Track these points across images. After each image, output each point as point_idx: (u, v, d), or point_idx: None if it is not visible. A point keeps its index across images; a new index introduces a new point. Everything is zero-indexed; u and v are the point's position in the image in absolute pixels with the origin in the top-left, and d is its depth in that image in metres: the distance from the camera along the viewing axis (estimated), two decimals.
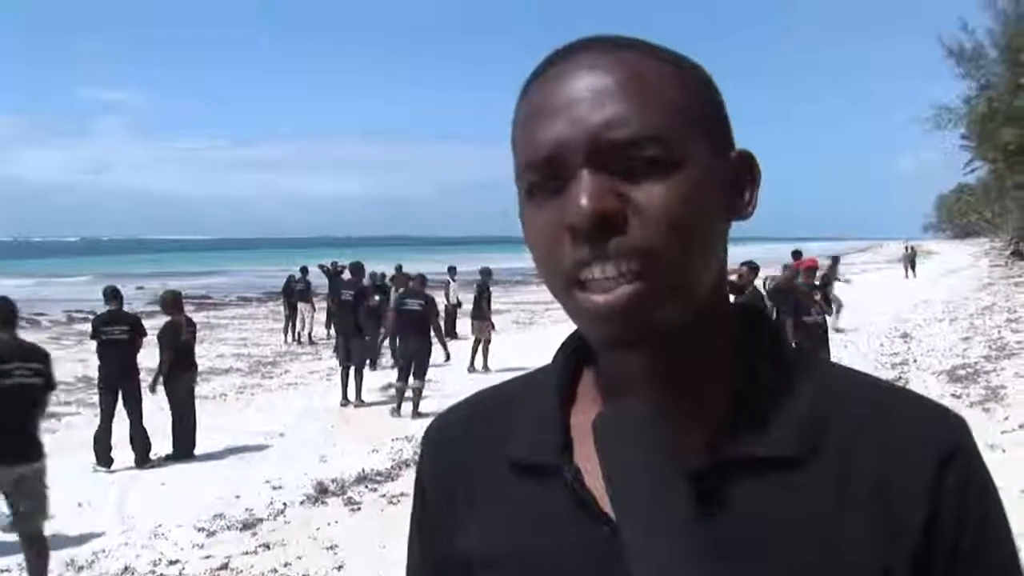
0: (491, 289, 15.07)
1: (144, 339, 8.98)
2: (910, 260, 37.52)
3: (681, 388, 0.70)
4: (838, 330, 16.66)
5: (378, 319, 13.08)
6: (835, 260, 19.32)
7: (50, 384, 5.70)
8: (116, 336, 8.71)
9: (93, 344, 8.98)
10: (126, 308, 9.47)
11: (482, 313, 14.31)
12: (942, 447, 0.67)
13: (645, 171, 0.63)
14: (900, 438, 0.67)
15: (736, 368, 0.71)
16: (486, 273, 15.18)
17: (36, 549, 5.36)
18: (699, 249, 0.66)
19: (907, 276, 35.98)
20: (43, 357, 5.66)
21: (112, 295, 9.03)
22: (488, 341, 14.17)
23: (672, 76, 0.67)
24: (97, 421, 8.75)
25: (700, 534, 0.57)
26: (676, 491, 0.58)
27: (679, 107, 0.65)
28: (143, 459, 8.62)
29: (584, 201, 0.62)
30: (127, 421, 8.67)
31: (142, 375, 8.95)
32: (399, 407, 10.70)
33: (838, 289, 17.64)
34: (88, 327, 9.48)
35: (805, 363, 0.73)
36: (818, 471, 0.66)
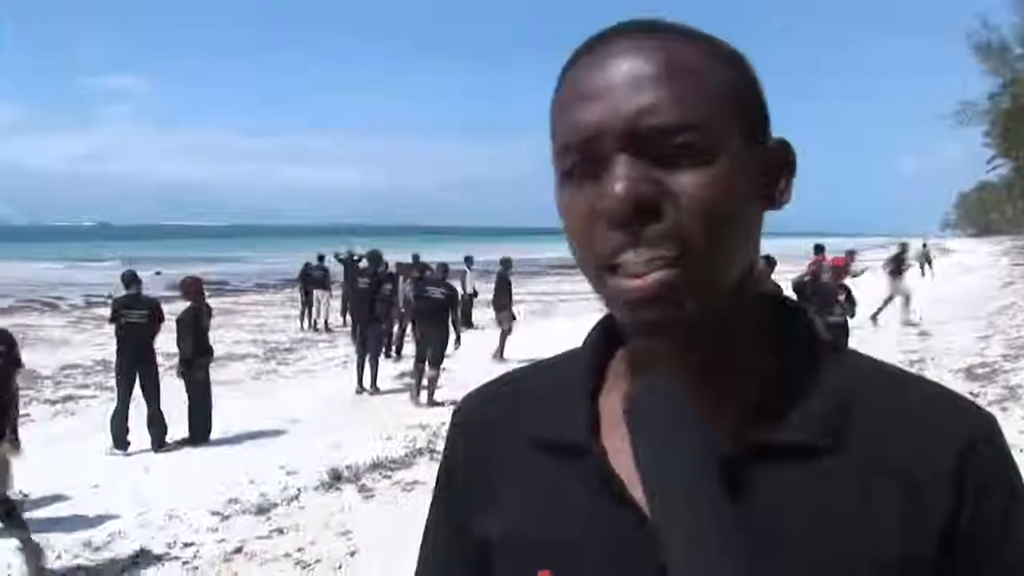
0: (510, 279, 15.01)
1: (162, 323, 9.03)
2: (925, 258, 37.12)
3: (709, 375, 0.70)
4: (910, 323, 16.65)
5: (388, 308, 13.12)
6: (903, 248, 19.09)
7: (16, 363, 5.84)
8: (135, 319, 8.78)
9: (110, 328, 9.03)
10: (144, 293, 9.52)
11: (502, 303, 14.29)
12: (965, 440, 0.66)
13: (681, 158, 0.63)
14: (924, 430, 0.67)
15: (764, 356, 0.71)
16: (506, 263, 15.10)
17: (4, 510, 5.40)
18: (733, 238, 0.65)
19: (923, 274, 35.66)
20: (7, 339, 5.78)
21: (131, 279, 9.10)
22: (509, 331, 14.14)
23: (711, 63, 0.66)
24: (114, 404, 8.81)
25: (735, 518, 0.57)
26: (711, 473, 0.58)
27: (716, 94, 0.65)
28: (160, 443, 8.67)
29: (619, 187, 0.62)
30: (144, 405, 8.71)
31: (160, 360, 9.01)
32: (417, 393, 10.76)
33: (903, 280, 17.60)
34: (106, 311, 9.52)
35: (833, 353, 0.73)
36: (842, 460, 0.67)
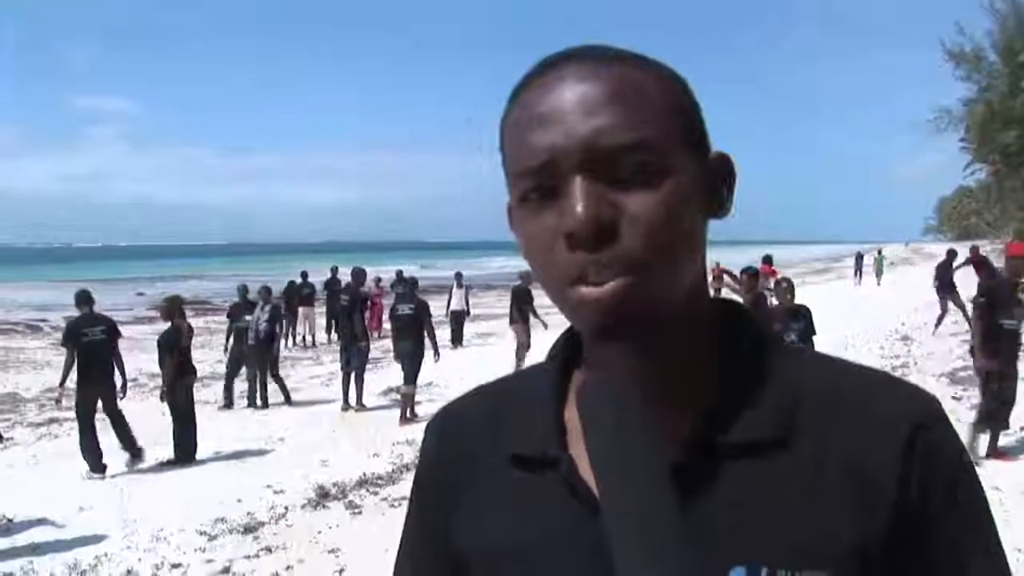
0: (531, 292, 14.02)
1: (119, 340, 8.99)
2: (859, 267, 36.24)
3: (663, 378, 0.73)
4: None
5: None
6: (860, 257, 18.93)
7: None
8: (97, 337, 8.68)
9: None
10: (128, 314, 9.44)
11: (516, 317, 13.88)
12: (910, 424, 0.69)
13: (636, 179, 0.66)
14: (870, 418, 0.70)
15: (716, 359, 0.74)
16: (525, 277, 14.01)
17: None
18: (685, 251, 0.69)
19: (859, 283, 34.24)
20: None
21: (85, 299, 8.97)
22: (526, 346, 13.69)
23: (655, 85, 0.70)
24: (77, 430, 8.68)
25: (678, 514, 0.59)
26: (655, 465, 0.60)
27: (664, 115, 0.68)
28: (136, 458, 8.65)
29: (580, 209, 0.64)
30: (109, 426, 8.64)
31: (143, 380, 8.93)
32: (406, 412, 10.58)
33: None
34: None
35: (783, 353, 0.76)
36: (794, 455, 0.69)
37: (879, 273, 34.92)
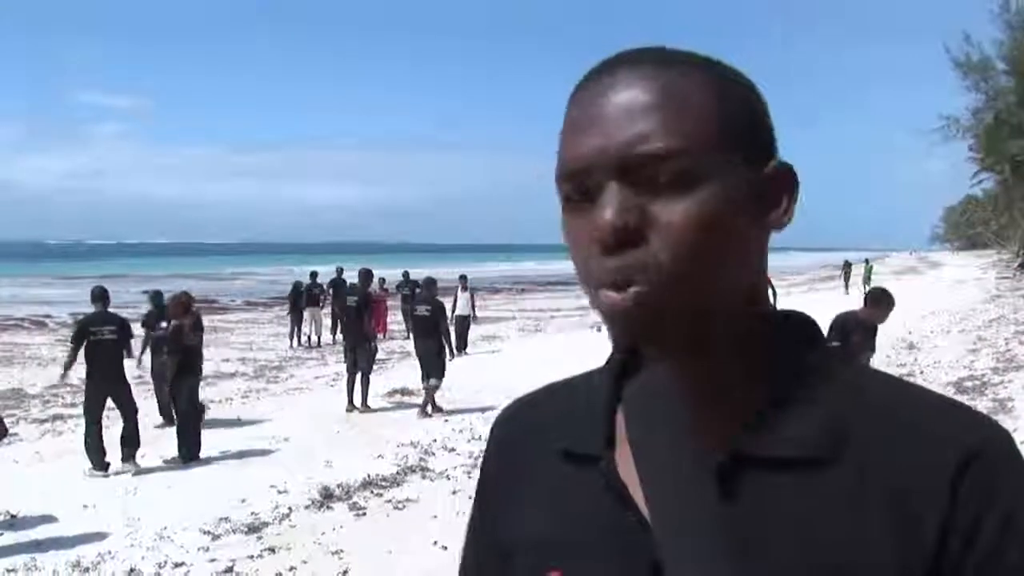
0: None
1: (132, 340, 8.99)
2: (846, 276, 35.42)
3: (710, 385, 0.72)
4: None
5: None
6: (847, 266, 19.02)
7: None
8: (106, 336, 8.68)
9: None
10: (132, 312, 9.46)
11: None
12: (961, 452, 0.66)
13: (668, 186, 0.66)
14: (922, 443, 0.68)
15: (768, 369, 0.73)
16: None
17: None
18: (718, 261, 0.67)
19: (846, 292, 32.83)
20: None
21: (100, 296, 9.00)
22: None
23: (707, 92, 0.69)
24: (83, 426, 8.68)
25: (721, 517, 0.60)
26: (697, 466, 0.62)
27: (709, 123, 0.68)
28: (130, 456, 8.55)
29: (607, 215, 0.66)
30: (119, 423, 8.64)
31: (147, 379, 8.92)
32: (424, 408, 10.97)
33: None
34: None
35: (838, 368, 0.74)
36: (839, 473, 0.68)
37: (867, 282, 34.48)
